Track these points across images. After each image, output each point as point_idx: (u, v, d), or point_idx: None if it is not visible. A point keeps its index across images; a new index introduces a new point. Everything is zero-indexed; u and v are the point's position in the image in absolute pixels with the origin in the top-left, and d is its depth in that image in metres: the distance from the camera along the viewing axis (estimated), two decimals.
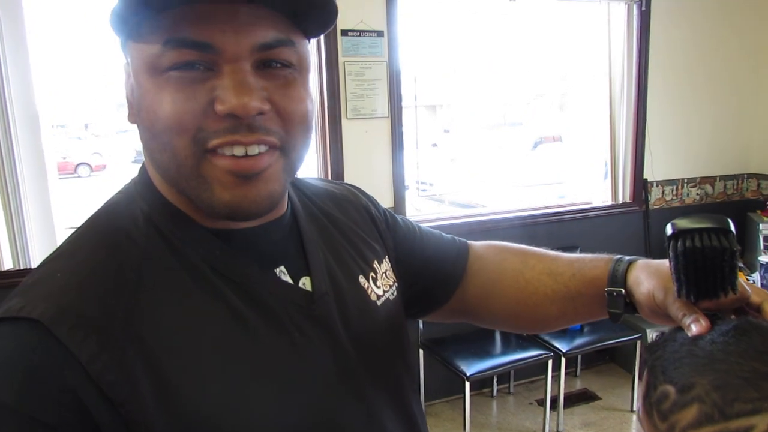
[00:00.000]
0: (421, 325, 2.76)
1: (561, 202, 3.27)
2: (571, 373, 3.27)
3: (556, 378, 2.77)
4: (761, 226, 3.10)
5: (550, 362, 2.65)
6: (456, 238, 0.78)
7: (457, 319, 0.78)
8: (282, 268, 0.56)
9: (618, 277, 0.62)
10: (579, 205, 3.14)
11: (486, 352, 2.63)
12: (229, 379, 0.47)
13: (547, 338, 2.79)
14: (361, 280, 0.63)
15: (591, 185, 3.19)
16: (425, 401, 2.90)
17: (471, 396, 2.91)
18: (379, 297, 0.64)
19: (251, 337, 0.50)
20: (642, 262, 0.62)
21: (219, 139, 0.47)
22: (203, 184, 0.48)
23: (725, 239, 0.49)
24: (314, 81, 2.43)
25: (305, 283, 0.57)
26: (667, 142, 3.16)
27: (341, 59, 2.39)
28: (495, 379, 3.09)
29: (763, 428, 0.41)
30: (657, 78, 3.09)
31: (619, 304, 0.62)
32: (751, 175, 3.57)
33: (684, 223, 0.50)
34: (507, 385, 3.16)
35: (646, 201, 3.17)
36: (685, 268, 0.50)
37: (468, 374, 2.43)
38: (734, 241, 0.49)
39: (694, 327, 0.50)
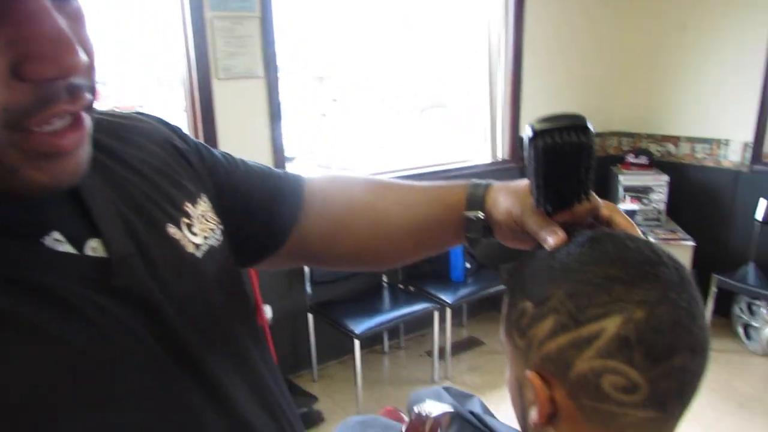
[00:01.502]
0: (309, 290, 2.82)
1: (444, 161, 3.40)
2: (457, 324, 3.48)
3: (443, 329, 2.95)
4: (621, 177, 3.45)
5: (436, 314, 2.81)
6: (289, 172, 0.70)
7: (299, 262, 0.71)
8: (55, 234, 0.42)
9: (476, 201, 0.61)
10: (461, 163, 3.29)
11: (375, 310, 2.74)
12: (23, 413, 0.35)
13: (433, 291, 2.95)
14: (171, 229, 0.51)
15: (472, 145, 3.36)
16: (318, 365, 2.97)
17: (363, 354, 3.03)
18: (198, 246, 0.52)
19: (35, 342, 0.37)
20: (499, 184, 0.61)
21: (36, 116, 0.35)
22: (6, 171, 0.36)
23: (584, 136, 0.48)
24: (179, 37, 2.32)
25: (95, 247, 0.44)
26: (540, 104, 3.40)
27: (208, 14, 2.28)
28: (386, 336, 3.23)
29: (613, 330, 0.43)
30: (531, 45, 3.30)
31: (477, 228, 0.60)
32: (613, 133, 3.95)
33: (543, 124, 0.49)
34: (398, 340, 3.32)
35: (523, 157, 3.36)
36: (545, 168, 0.49)
37: (357, 332, 2.53)
38: (592, 138, 0.49)
39: (551, 239, 0.50)
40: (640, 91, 3.76)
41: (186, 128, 2.39)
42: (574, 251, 0.48)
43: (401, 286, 3.11)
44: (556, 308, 0.45)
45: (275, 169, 0.70)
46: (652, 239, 3.16)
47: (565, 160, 0.49)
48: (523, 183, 0.57)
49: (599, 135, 3.89)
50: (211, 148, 0.65)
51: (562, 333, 0.45)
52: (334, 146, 2.93)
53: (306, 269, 2.78)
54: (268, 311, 2.64)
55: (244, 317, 0.57)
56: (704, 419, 2.64)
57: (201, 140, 0.65)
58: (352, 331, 2.53)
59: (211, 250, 0.54)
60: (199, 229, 0.54)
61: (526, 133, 0.50)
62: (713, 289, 3.16)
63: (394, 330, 3.27)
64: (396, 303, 2.85)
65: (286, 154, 2.64)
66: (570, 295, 0.45)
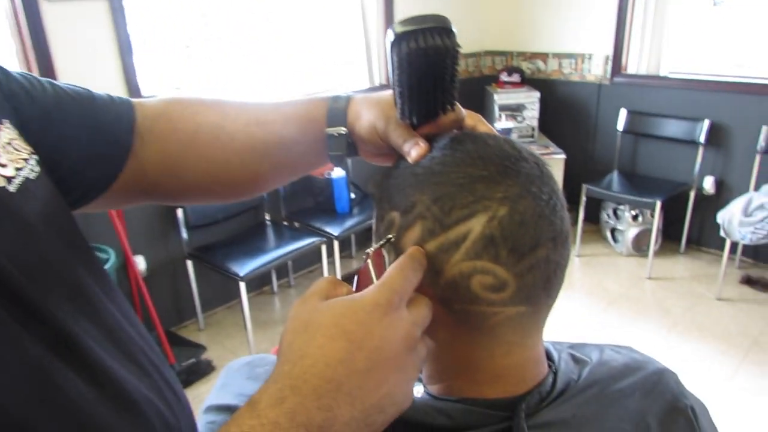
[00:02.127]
0: (185, 235, 2.71)
1: (319, 89, 3.32)
2: (346, 256, 3.51)
3: (332, 263, 2.95)
4: (496, 96, 3.55)
5: (324, 248, 2.79)
6: (115, 96, 0.62)
7: (142, 199, 0.64)
8: None
9: (338, 116, 0.58)
10: (337, 91, 3.22)
11: (259, 250, 2.68)
12: None
13: (318, 225, 2.92)
14: None
15: (349, 72, 3.29)
16: (203, 313, 2.89)
17: (251, 297, 3.02)
18: (10, 180, 0.45)
19: None
20: (361, 96, 0.59)
21: None
22: None
23: (448, 39, 0.47)
24: None
25: None
26: None
27: None
28: (274, 276, 3.19)
29: (479, 230, 0.43)
30: None
31: (340, 145, 0.58)
32: (487, 52, 4.03)
33: (405, 27, 0.47)
34: (287, 278, 3.30)
35: None
36: (408, 75, 0.48)
37: (241, 275, 2.47)
38: (456, 41, 0.48)
39: (414, 151, 0.50)
40: (509, 10, 3.85)
41: (15, 60, 2.11)
42: (437, 155, 0.47)
43: (285, 223, 3.07)
44: (422, 214, 0.45)
45: (98, 92, 0.61)
46: None
47: (429, 65, 0.47)
48: (387, 94, 0.55)
49: (474, 55, 3.96)
50: (7, 69, 0.55)
51: (430, 239, 0.45)
52: (203, 81, 2.73)
53: (179, 213, 2.65)
54: (140, 262, 2.53)
55: (86, 261, 0.51)
56: (579, 318, 2.88)
57: (36, 74, 0.56)
58: (236, 274, 2.47)
59: (27, 183, 0.47)
60: (8, 159, 0.46)
61: (388, 37, 0.48)
62: (583, 198, 3.37)
63: (281, 269, 3.23)
64: (281, 241, 2.80)
65: (144, 92, 2.42)
66: (435, 199, 0.45)
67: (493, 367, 0.49)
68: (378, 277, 0.42)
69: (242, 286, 2.48)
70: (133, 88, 2.40)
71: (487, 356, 0.49)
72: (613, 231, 3.58)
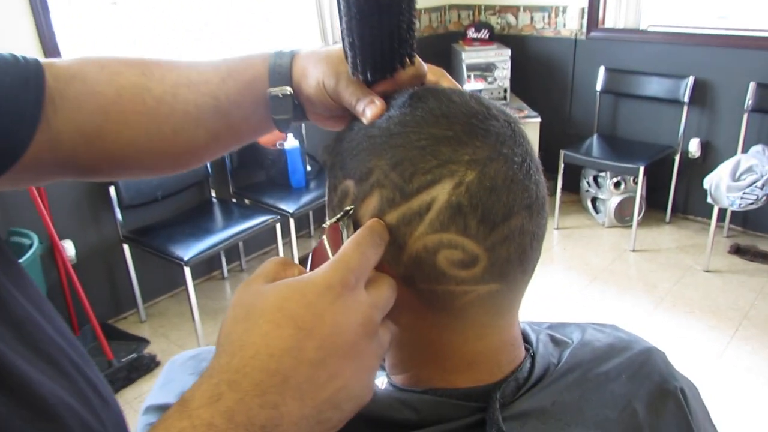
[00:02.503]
0: (119, 216, 2.65)
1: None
2: (303, 235, 3.50)
3: (288, 243, 2.92)
4: (464, 55, 3.53)
5: (278, 227, 2.77)
6: (20, 56, 0.58)
7: (58, 174, 0.62)
8: None
9: (281, 74, 0.57)
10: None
11: (205, 231, 2.65)
12: None
13: (271, 202, 2.89)
14: None
15: (300, 30, 3.21)
16: (144, 303, 2.86)
17: (198, 283, 2.99)
18: None
19: None
20: (307, 51, 0.57)
21: None
22: None
23: None
24: None
25: None
26: None
27: None
28: (223, 259, 3.16)
29: (444, 198, 0.43)
30: None
31: (286, 107, 0.57)
32: (452, 6, 4.00)
33: None
34: (238, 262, 3.27)
35: None
36: (360, 23, 0.47)
37: (186, 259, 2.44)
38: None
39: (369, 111, 0.49)
40: None
41: None
42: (395, 114, 0.47)
43: (234, 200, 3.04)
44: (380, 182, 0.45)
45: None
46: None
47: (382, 9, 0.46)
48: (337, 47, 0.54)
49: (438, 9, 3.94)
50: None
51: (390, 210, 0.44)
52: (132, 43, 2.63)
53: (112, 191, 2.60)
54: (69, 248, 2.47)
55: None
56: (559, 294, 2.93)
57: None
58: (179, 258, 2.43)
59: None
60: None
61: None
62: (561, 166, 3.41)
63: (232, 251, 3.20)
64: (230, 220, 2.78)
65: (64, 55, 2.33)
66: (394, 164, 0.44)
67: (464, 353, 0.49)
68: (334, 255, 0.42)
69: (187, 271, 2.45)
70: (51, 51, 2.30)
71: (457, 341, 0.49)
72: (594, 200, 3.64)
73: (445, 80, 0.53)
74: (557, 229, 3.56)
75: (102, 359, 2.43)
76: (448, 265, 0.44)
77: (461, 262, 0.44)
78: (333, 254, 0.43)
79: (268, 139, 2.93)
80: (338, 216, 0.47)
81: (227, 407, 0.35)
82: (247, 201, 3.00)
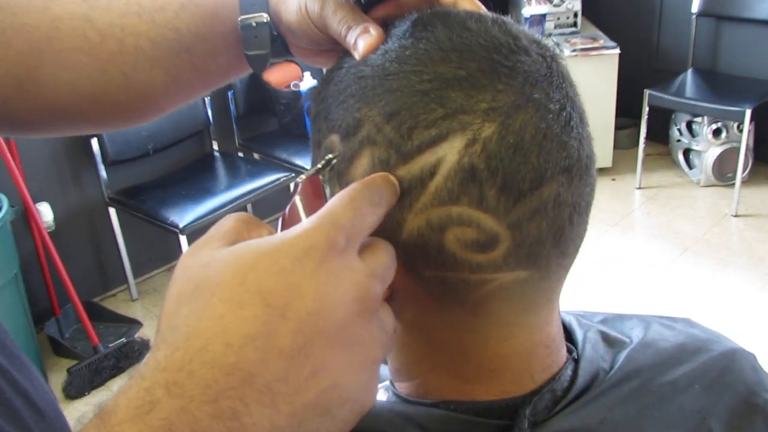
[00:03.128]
0: (103, 174, 2.69)
1: None
2: None
3: None
4: None
5: (293, 187, 2.76)
6: None
7: None
8: None
9: None
10: None
11: (206, 192, 2.69)
12: None
13: (285, 156, 2.92)
14: None
15: None
16: (136, 278, 2.94)
17: None
18: None
19: None
20: None
21: None
22: None
23: None
24: None
25: None
26: None
27: None
28: None
29: (453, 159, 0.42)
30: None
31: (262, 39, 0.56)
32: None
33: None
34: None
35: None
36: None
37: (182, 226, 2.48)
38: None
39: (361, 42, 0.48)
40: None
41: None
42: (392, 47, 0.46)
43: (240, 154, 3.07)
44: (370, 138, 0.44)
45: None
46: (568, 52, 3.24)
47: None
48: None
49: None
50: None
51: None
52: None
53: (94, 145, 2.64)
54: (45, 212, 2.52)
55: None
56: (644, 271, 2.90)
57: None
58: (174, 225, 2.48)
59: None
60: None
61: None
62: (645, 109, 3.33)
63: None
64: (236, 178, 2.82)
65: None
66: (388, 115, 0.43)
67: (484, 358, 0.49)
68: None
69: (183, 240, 2.49)
70: None
71: (475, 342, 0.48)
72: (686, 153, 3.57)
73: (466, 1, 0.50)
74: (639, 188, 3.51)
75: (86, 344, 2.51)
76: (459, 247, 0.43)
77: (476, 243, 0.43)
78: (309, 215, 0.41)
79: (280, 78, 2.93)
80: (318, 166, 0.46)
81: (163, 420, 0.33)
82: (255, 155, 3.03)
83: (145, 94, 0.62)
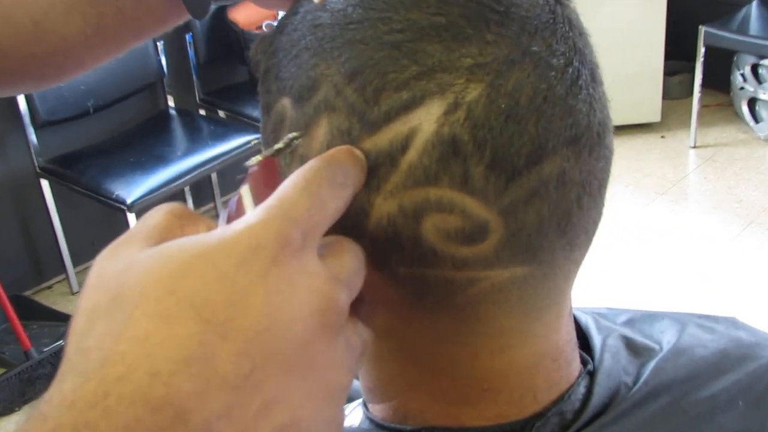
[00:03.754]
0: (33, 139, 2.70)
1: None
2: None
3: None
4: None
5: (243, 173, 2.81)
6: None
7: None
8: None
9: None
10: None
11: (158, 159, 2.69)
12: None
13: (256, 113, 2.90)
14: None
15: None
16: (76, 266, 2.94)
17: None
18: None
19: None
20: None
21: None
22: None
23: None
24: None
25: None
26: None
27: None
28: (189, 200, 3.20)
29: (431, 129, 0.42)
30: None
31: None
32: None
33: None
34: (211, 204, 3.34)
35: None
36: None
37: (130, 201, 2.48)
38: None
39: None
40: None
41: None
42: None
43: (202, 112, 3.07)
44: (328, 102, 0.44)
45: None
46: None
47: None
48: None
49: None
50: None
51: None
52: None
53: (21, 103, 2.64)
54: None
55: None
56: (699, 247, 2.90)
57: None
58: (120, 201, 2.48)
59: None
60: None
61: None
62: (701, 50, 3.33)
63: (201, 188, 3.23)
64: (196, 141, 2.83)
65: None
66: (350, 73, 0.44)
67: (475, 374, 0.49)
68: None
69: (132, 219, 2.50)
70: None
71: (463, 356, 0.49)
72: (752, 103, 3.57)
73: None
74: (694, 147, 3.51)
75: (16, 348, 2.52)
76: (440, 239, 0.43)
77: (461, 234, 0.43)
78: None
79: (249, 17, 2.96)
80: (278, 146, 0.46)
81: None
82: (221, 113, 3.03)
83: (60, 47, 0.63)
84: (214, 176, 3.11)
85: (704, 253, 2.86)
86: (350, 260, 0.41)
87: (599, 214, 0.48)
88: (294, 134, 0.46)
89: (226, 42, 3.06)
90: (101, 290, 0.36)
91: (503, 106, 0.42)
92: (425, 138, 0.42)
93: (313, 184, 0.39)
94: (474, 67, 0.42)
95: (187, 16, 0.63)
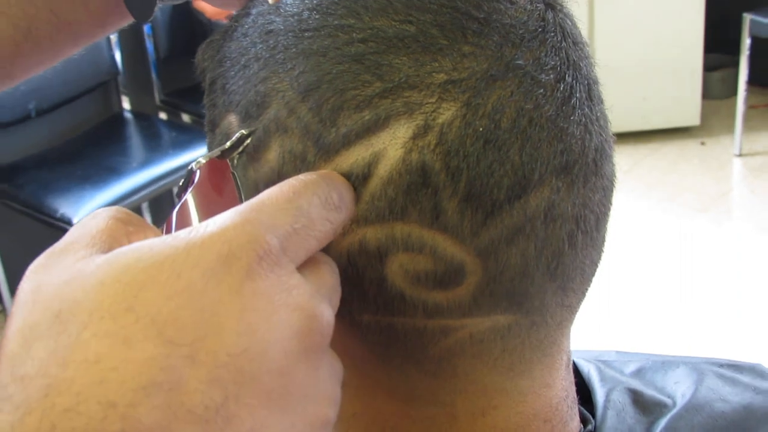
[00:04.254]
0: None
1: None
2: None
3: None
4: None
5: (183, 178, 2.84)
6: None
7: None
8: None
9: None
10: None
11: (110, 171, 2.69)
12: None
13: None
14: None
15: None
16: (11, 293, 2.83)
17: None
18: None
19: None
20: None
21: None
22: None
23: None
24: None
25: None
26: None
27: None
28: (148, 213, 3.17)
29: (397, 156, 0.42)
30: None
31: None
32: None
33: None
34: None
35: None
36: None
37: (76, 221, 2.38)
38: None
39: None
40: None
41: None
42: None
43: (163, 116, 3.09)
44: (279, 122, 0.45)
45: None
46: None
47: None
48: None
49: None
50: None
51: (297, 173, 0.44)
52: None
53: None
54: None
55: None
56: (748, 276, 2.89)
57: None
58: (65, 220, 2.47)
59: None
60: None
61: None
62: (746, 41, 3.35)
63: (160, 203, 3.22)
64: (156, 150, 2.84)
65: None
66: (305, 89, 0.44)
67: None
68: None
69: None
70: None
71: (439, 418, 0.50)
72: None
73: None
74: (739, 156, 3.51)
75: None
76: (408, 283, 0.44)
77: (433, 277, 0.43)
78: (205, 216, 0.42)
79: (217, 5, 2.91)
80: (223, 147, 0.46)
81: None
82: (184, 116, 3.06)
83: None
84: (175, 191, 3.10)
85: (750, 281, 2.86)
86: (330, 274, 0.41)
87: (599, 252, 0.49)
88: (244, 131, 0.46)
89: (191, 34, 3.06)
90: (39, 307, 0.35)
91: (481, 129, 0.42)
92: (390, 165, 0.42)
93: (303, 197, 0.40)
94: (448, 84, 0.42)
95: (130, 19, 0.63)
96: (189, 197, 0.46)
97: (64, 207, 2.51)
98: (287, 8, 0.47)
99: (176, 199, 0.48)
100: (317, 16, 0.45)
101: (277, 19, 0.47)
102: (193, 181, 0.47)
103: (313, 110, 0.44)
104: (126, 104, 3.00)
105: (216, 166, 0.47)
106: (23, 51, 0.64)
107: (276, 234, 0.38)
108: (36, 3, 0.62)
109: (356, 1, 0.45)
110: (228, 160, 0.47)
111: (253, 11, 0.50)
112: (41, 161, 2.75)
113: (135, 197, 2.62)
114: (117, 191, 2.59)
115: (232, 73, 0.49)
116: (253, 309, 0.35)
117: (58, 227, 2.50)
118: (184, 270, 0.34)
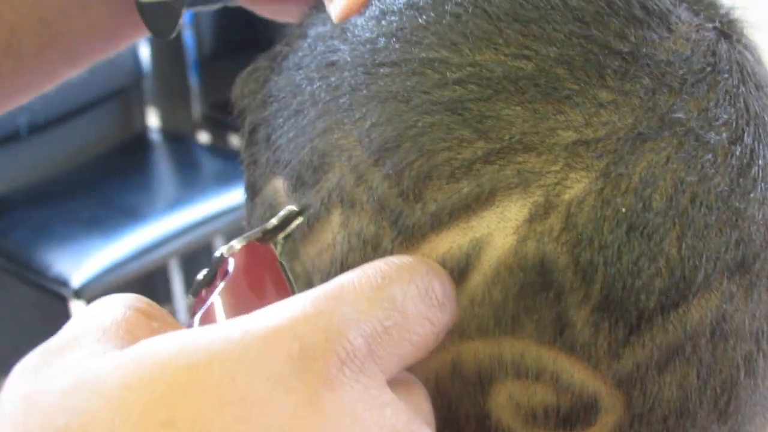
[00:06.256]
0: None
1: None
2: None
3: None
4: None
5: (212, 265, 2.64)
6: None
7: None
8: None
9: None
10: None
11: (126, 214, 2.42)
12: None
13: None
14: None
15: None
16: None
17: None
18: None
19: None
20: None
21: None
22: None
23: None
24: None
25: None
26: None
27: None
28: (178, 274, 2.92)
29: (508, 243, 0.39)
30: None
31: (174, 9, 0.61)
32: None
33: None
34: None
35: None
36: None
37: (76, 285, 2.31)
38: None
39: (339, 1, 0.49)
40: None
41: None
42: (397, 6, 0.46)
43: (204, 139, 2.87)
44: (344, 193, 0.42)
45: None
46: None
47: None
48: None
49: None
50: None
51: (362, 260, 0.43)
52: None
53: None
54: None
55: None
56: None
57: None
58: (62, 281, 2.30)
59: None
60: None
61: None
62: None
63: (194, 260, 3.00)
64: (193, 185, 2.69)
65: None
66: (380, 149, 0.41)
67: None
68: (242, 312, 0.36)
69: (72, 307, 2.37)
70: None
71: None
72: None
73: None
74: None
75: None
76: (519, 421, 0.41)
77: (554, 414, 0.40)
78: (235, 313, 0.40)
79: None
80: (266, 226, 0.44)
81: None
82: (233, 139, 2.88)
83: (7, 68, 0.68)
84: (219, 242, 2.84)
85: None
86: (424, 398, 0.39)
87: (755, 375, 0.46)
88: (292, 207, 0.45)
89: (245, 26, 2.79)
90: (34, 421, 0.33)
91: (624, 210, 0.38)
92: (497, 258, 0.39)
93: (396, 285, 0.36)
94: (578, 146, 0.39)
95: (144, 32, 0.63)
96: (220, 291, 0.42)
97: (61, 262, 2.36)
98: (357, 31, 0.45)
99: (191, 297, 0.44)
100: (398, 46, 0.42)
101: (343, 47, 0.45)
102: (226, 273, 0.42)
103: (390, 178, 0.40)
104: (153, 120, 2.81)
105: (256, 252, 0.43)
106: (2, 70, 0.64)
107: (361, 332, 0.34)
108: (20, 9, 0.63)
109: (452, 27, 0.42)
110: (272, 244, 0.44)
111: (311, 32, 0.49)
112: (32, 197, 2.56)
113: (161, 251, 2.46)
114: (136, 242, 2.40)
115: (281, 120, 0.46)
116: (333, 429, 0.32)
117: (49, 290, 2.41)
118: (240, 372, 0.32)
